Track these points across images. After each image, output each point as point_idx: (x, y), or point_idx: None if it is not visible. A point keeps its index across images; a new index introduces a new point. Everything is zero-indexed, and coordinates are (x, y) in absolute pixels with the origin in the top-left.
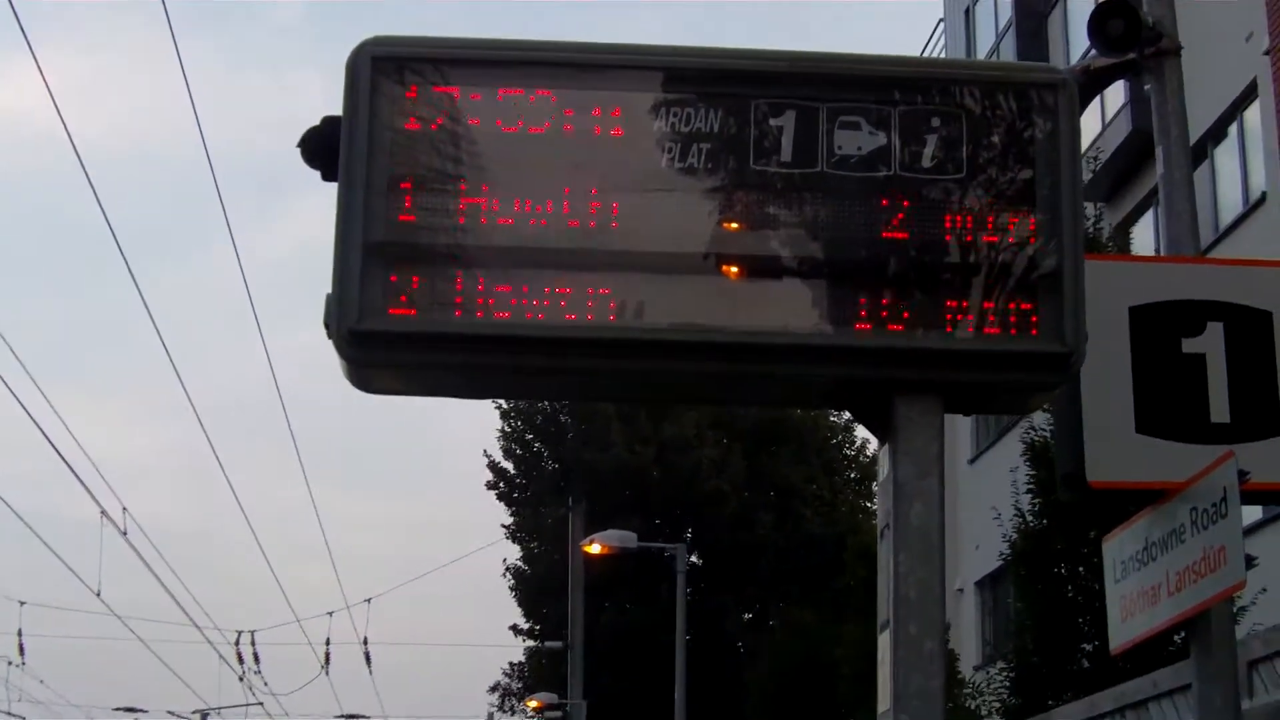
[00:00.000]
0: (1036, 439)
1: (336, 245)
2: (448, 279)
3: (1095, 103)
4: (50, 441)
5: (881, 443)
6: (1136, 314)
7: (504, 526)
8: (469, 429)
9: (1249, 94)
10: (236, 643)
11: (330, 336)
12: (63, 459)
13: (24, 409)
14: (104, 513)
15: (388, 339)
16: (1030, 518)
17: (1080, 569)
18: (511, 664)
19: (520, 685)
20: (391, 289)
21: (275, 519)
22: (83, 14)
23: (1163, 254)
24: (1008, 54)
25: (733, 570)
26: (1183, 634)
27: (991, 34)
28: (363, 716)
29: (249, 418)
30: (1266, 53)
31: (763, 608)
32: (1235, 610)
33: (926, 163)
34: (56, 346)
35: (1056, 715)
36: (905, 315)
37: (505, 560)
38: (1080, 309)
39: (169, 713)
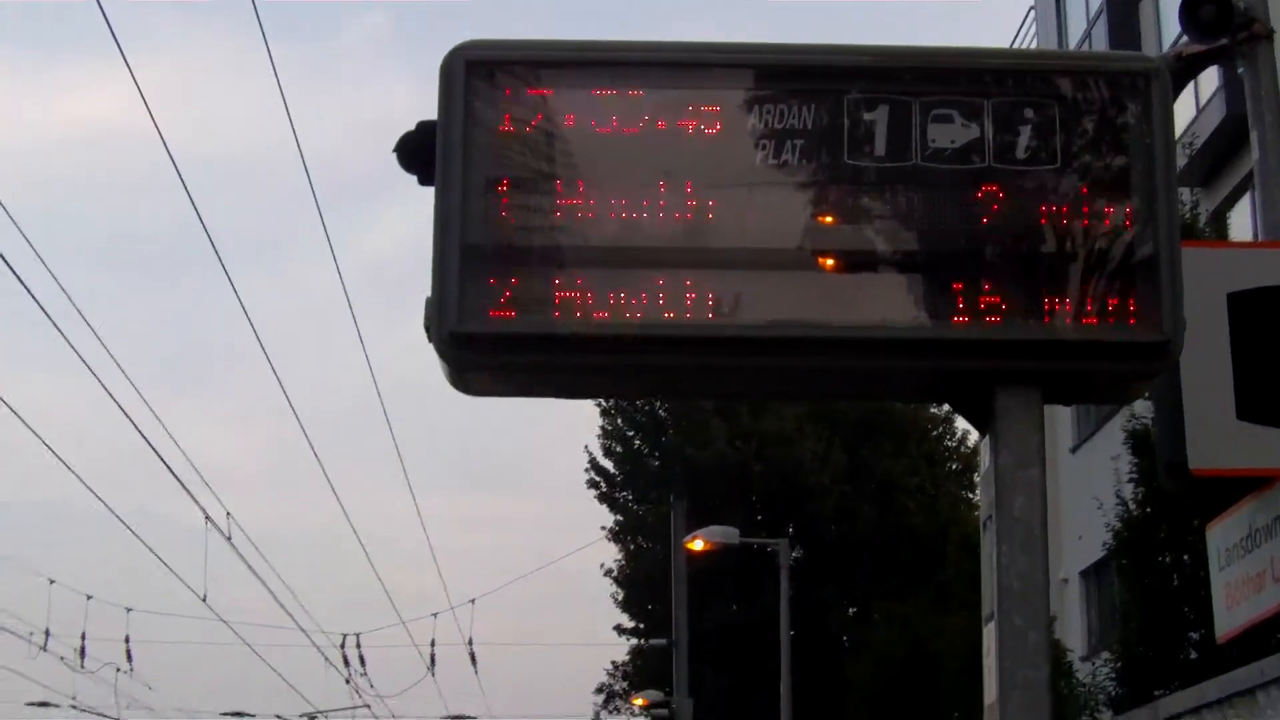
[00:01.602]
0: (1138, 427)
1: (435, 248)
2: (546, 279)
3: (1189, 88)
4: (152, 446)
5: (982, 434)
6: (1235, 300)
7: (604, 528)
8: (569, 426)
9: None
10: (342, 645)
11: (430, 340)
12: (165, 464)
13: (125, 414)
14: (208, 517)
15: (488, 341)
16: (1133, 506)
17: (1185, 557)
18: (615, 663)
19: (625, 685)
20: (491, 291)
21: (378, 521)
22: (171, 22)
23: (1260, 239)
24: (1099, 41)
25: (835, 564)
26: None
27: (1083, 21)
28: (469, 717)
29: (350, 421)
30: None
31: (865, 602)
32: None
33: (1020, 154)
34: (156, 352)
35: (1163, 705)
36: (1003, 307)
37: (603, 564)
38: (1178, 297)
39: (276, 716)
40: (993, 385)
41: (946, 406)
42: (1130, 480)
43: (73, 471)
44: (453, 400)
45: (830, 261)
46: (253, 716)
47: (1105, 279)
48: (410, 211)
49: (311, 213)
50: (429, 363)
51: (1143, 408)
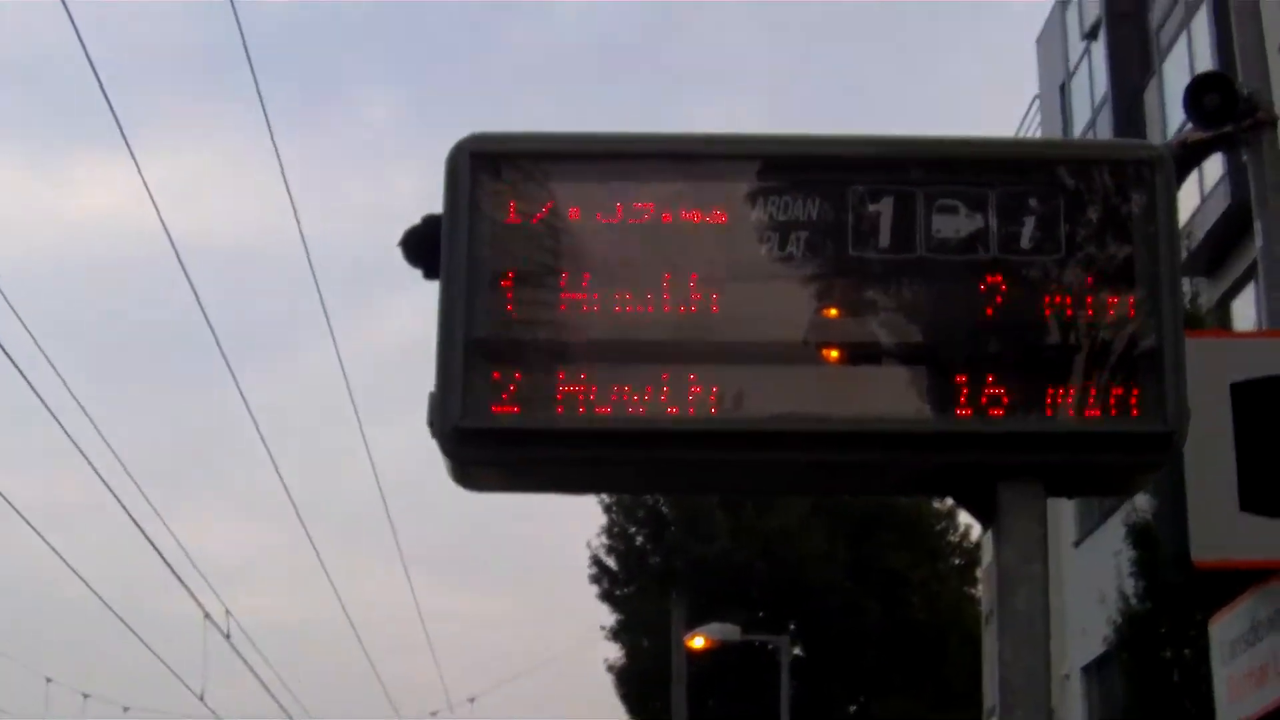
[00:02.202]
0: (1139, 520)
1: (440, 343)
2: (550, 374)
3: (1193, 175)
4: (150, 541)
5: (985, 528)
6: (1239, 390)
7: (603, 628)
8: (571, 522)
9: None
10: None
11: (434, 435)
12: (164, 560)
13: (124, 508)
14: (207, 615)
15: (492, 437)
16: (1134, 601)
17: (1186, 651)
18: None
19: None
20: (494, 386)
21: (378, 617)
22: (177, 113)
23: (1264, 328)
24: (1104, 128)
25: (837, 661)
26: None
27: (1087, 109)
28: None
29: (351, 513)
30: None
31: (868, 698)
32: None
33: (1025, 243)
34: (156, 446)
35: None
36: (1006, 400)
37: (605, 660)
38: (1181, 387)
39: None
40: (996, 479)
41: (950, 500)
42: (1131, 575)
43: (70, 567)
44: (456, 494)
45: (834, 354)
46: None
47: (1109, 370)
48: (416, 304)
49: (315, 305)
50: (432, 456)
51: (1144, 501)
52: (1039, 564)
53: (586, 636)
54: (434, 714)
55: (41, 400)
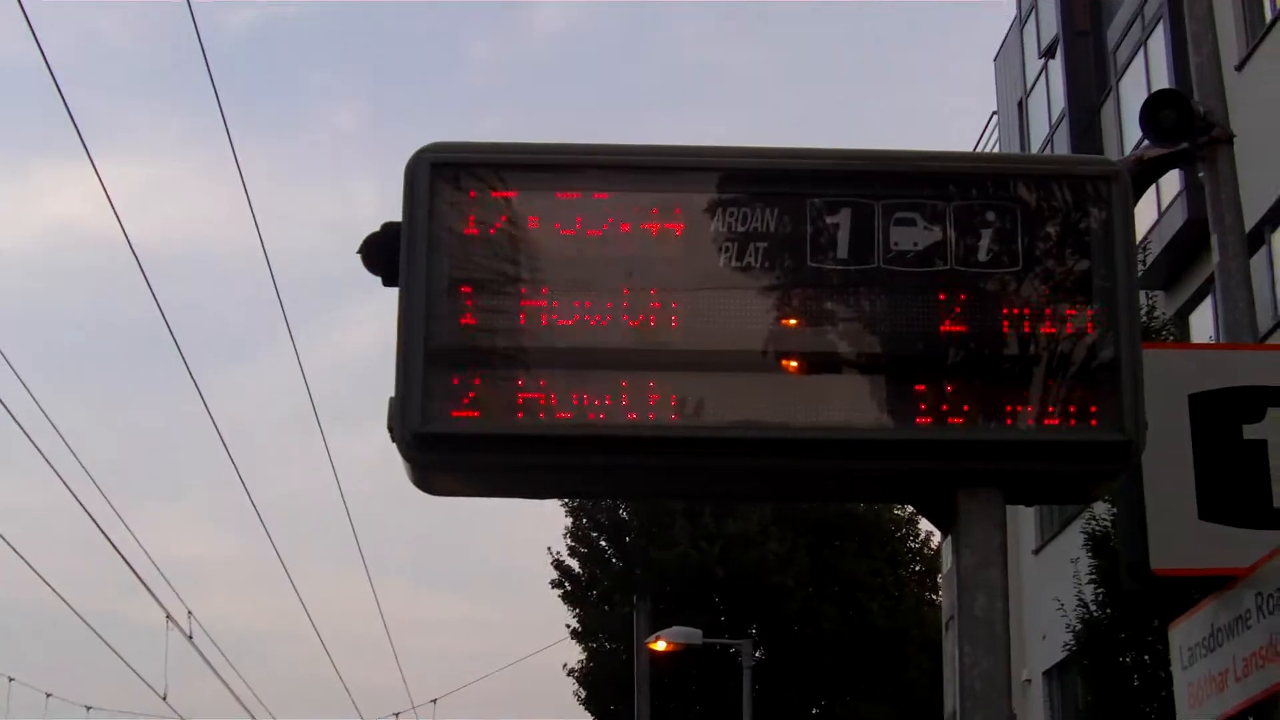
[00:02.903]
0: (1097, 529)
1: (399, 349)
2: (509, 381)
3: (1151, 191)
4: (114, 545)
5: (944, 535)
6: (1196, 401)
7: (567, 627)
8: (532, 526)
9: None
10: None
11: (394, 439)
12: (127, 563)
13: (87, 512)
14: (169, 616)
15: (451, 441)
16: (1093, 608)
17: (1145, 657)
18: None
19: None
20: (454, 392)
21: (340, 621)
22: (141, 121)
23: (1221, 341)
24: (1061, 145)
25: (798, 665)
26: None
27: (1045, 126)
28: None
29: (313, 519)
30: None
31: (829, 703)
32: None
33: (982, 256)
34: (118, 451)
35: None
36: (965, 408)
37: (565, 665)
38: (1139, 398)
39: None
40: (955, 486)
41: (910, 508)
42: (1090, 581)
43: (34, 569)
44: (417, 499)
45: (793, 364)
46: None
47: (1067, 380)
48: (377, 311)
49: (276, 312)
50: (393, 461)
51: (1102, 509)
52: (998, 569)
53: (549, 639)
54: (397, 715)
55: (4, 405)
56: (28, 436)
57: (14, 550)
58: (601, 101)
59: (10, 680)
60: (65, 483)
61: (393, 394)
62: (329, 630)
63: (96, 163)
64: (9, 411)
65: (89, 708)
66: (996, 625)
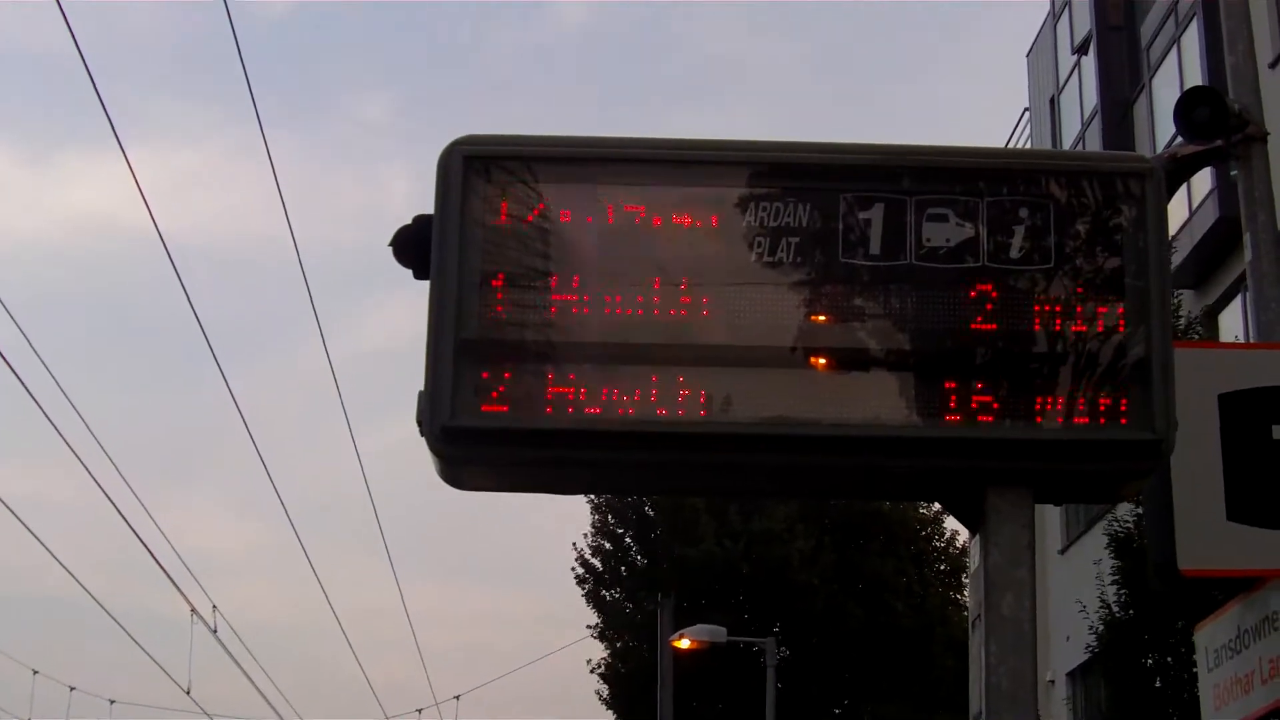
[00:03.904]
0: (1119, 530)
1: (429, 343)
2: (540, 375)
3: (1181, 189)
4: (139, 538)
5: (972, 533)
6: (1226, 401)
7: (589, 627)
8: (558, 522)
9: None
10: None
11: (423, 433)
12: (153, 556)
13: (112, 503)
14: (194, 610)
15: (480, 436)
16: (1116, 609)
17: (1168, 659)
18: None
19: None
20: (484, 386)
21: (364, 615)
22: (170, 112)
23: (1252, 340)
24: (1093, 142)
25: (822, 664)
26: None
27: (1077, 123)
28: None
29: (339, 514)
30: None
31: (853, 702)
32: None
33: (1014, 253)
34: (145, 443)
35: None
36: (995, 406)
37: (590, 660)
38: (1170, 397)
39: None
40: (984, 484)
41: (936, 507)
42: (1113, 582)
43: (58, 560)
44: (444, 494)
45: (823, 360)
46: None
47: (1097, 379)
48: (408, 303)
49: (306, 304)
50: (422, 455)
51: (1125, 510)
52: (1025, 569)
53: (574, 635)
54: (420, 710)
55: (30, 393)
56: (53, 424)
57: (38, 540)
58: (626, 94)
59: (35, 673)
60: (91, 473)
61: (422, 388)
62: (352, 626)
63: (127, 152)
64: (35, 399)
65: (112, 701)
66: (1024, 625)
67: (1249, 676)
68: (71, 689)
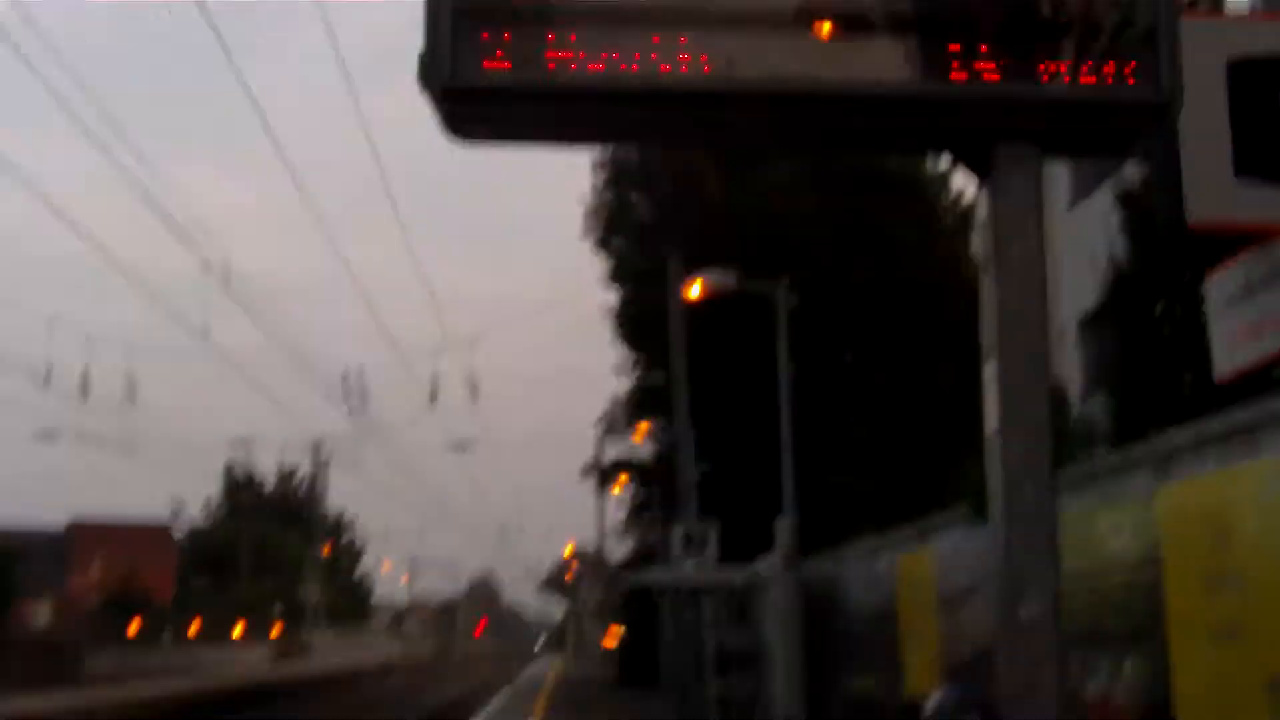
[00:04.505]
0: (1129, 187)
1: (427, 4)
2: (539, 35)
3: None
4: (152, 197)
5: (981, 184)
6: (1235, 69)
7: (601, 277)
8: (566, 179)
9: None
10: (345, 378)
11: (425, 93)
12: (164, 212)
13: (123, 167)
14: (206, 261)
15: (482, 95)
16: (1124, 262)
17: (1176, 307)
18: (615, 399)
19: (627, 415)
20: (484, 46)
21: (376, 273)
22: None
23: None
24: None
25: (832, 316)
26: None
27: None
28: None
29: (353, 184)
30: None
31: (863, 353)
32: None
33: None
34: (161, 115)
35: (1161, 441)
36: (1002, 64)
37: (602, 303)
38: (1176, 57)
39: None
40: (993, 140)
41: (942, 165)
42: (1122, 232)
43: (68, 221)
44: (450, 156)
45: (828, 21)
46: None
47: (1105, 39)
48: None
49: None
50: (425, 115)
51: (1134, 173)
52: (1035, 215)
53: (584, 286)
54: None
55: (39, 74)
56: (55, 94)
57: (53, 208)
58: None
59: (52, 320)
60: (100, 139)
61: (421, 49)
62: (365, 282)
63: None
64: (45, 78)
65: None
66: (1034, 266)
67: (1260, 323)
68: (89, 337)
